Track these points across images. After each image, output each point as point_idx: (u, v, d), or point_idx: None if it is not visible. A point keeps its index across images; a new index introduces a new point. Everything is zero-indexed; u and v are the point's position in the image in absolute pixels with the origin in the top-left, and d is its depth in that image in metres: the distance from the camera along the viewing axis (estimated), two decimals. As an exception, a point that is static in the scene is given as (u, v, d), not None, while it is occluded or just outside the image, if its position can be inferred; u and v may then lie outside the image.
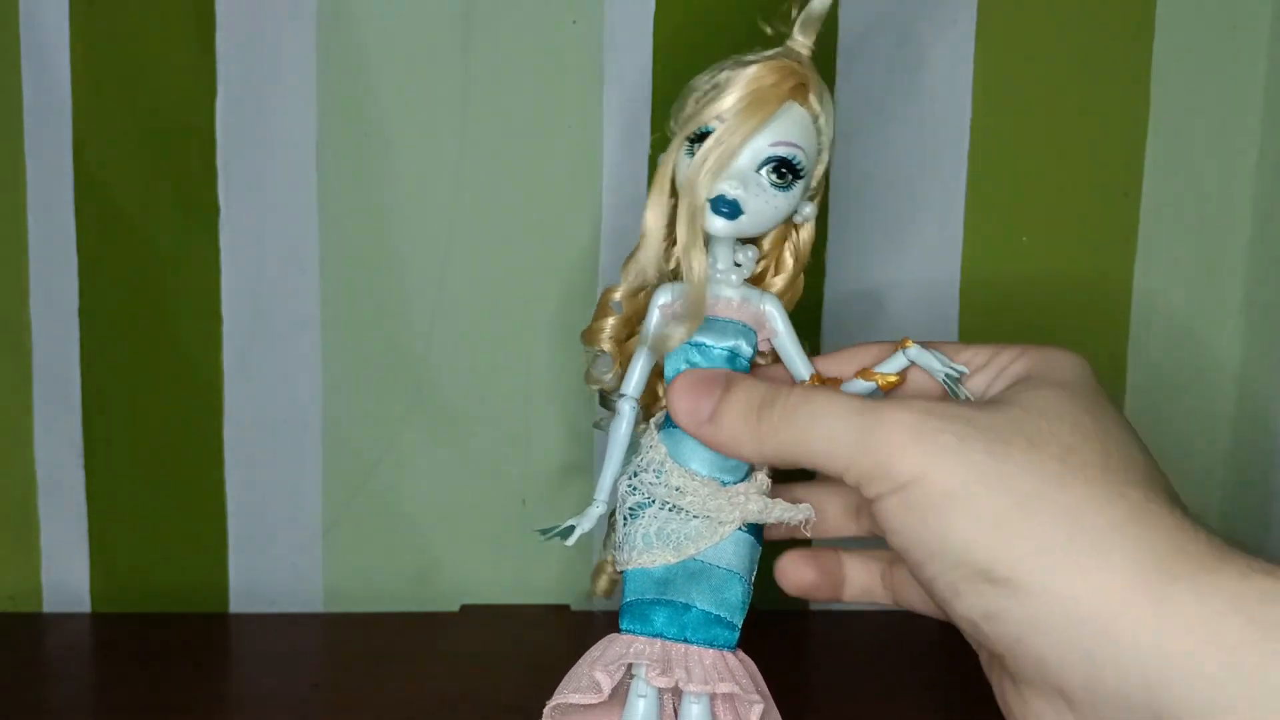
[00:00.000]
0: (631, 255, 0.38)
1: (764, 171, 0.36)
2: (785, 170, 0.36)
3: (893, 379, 0.39)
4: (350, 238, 0.54)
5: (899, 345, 0.39)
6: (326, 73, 0.53)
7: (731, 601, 0.37)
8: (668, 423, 0.38)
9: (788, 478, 0.40)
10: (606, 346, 0.39)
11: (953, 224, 0.55)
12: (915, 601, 0.41)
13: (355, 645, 0.53)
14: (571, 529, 0.38)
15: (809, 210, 0.38)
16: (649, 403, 0.40)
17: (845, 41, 0.53)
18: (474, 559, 0.56)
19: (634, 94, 0.53)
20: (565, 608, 0.56)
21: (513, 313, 0.55)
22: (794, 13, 0.37)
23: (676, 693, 0.37)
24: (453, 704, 0.47)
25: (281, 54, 0.53)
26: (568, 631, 0.55)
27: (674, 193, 0.37)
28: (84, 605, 0.56)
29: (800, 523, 0.37)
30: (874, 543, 0.39)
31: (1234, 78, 0.54)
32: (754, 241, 0.39)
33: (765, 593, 0.39)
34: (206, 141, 0.53)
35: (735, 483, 0.37)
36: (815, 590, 0.42)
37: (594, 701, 0.36)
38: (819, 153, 0.37)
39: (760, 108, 0.35)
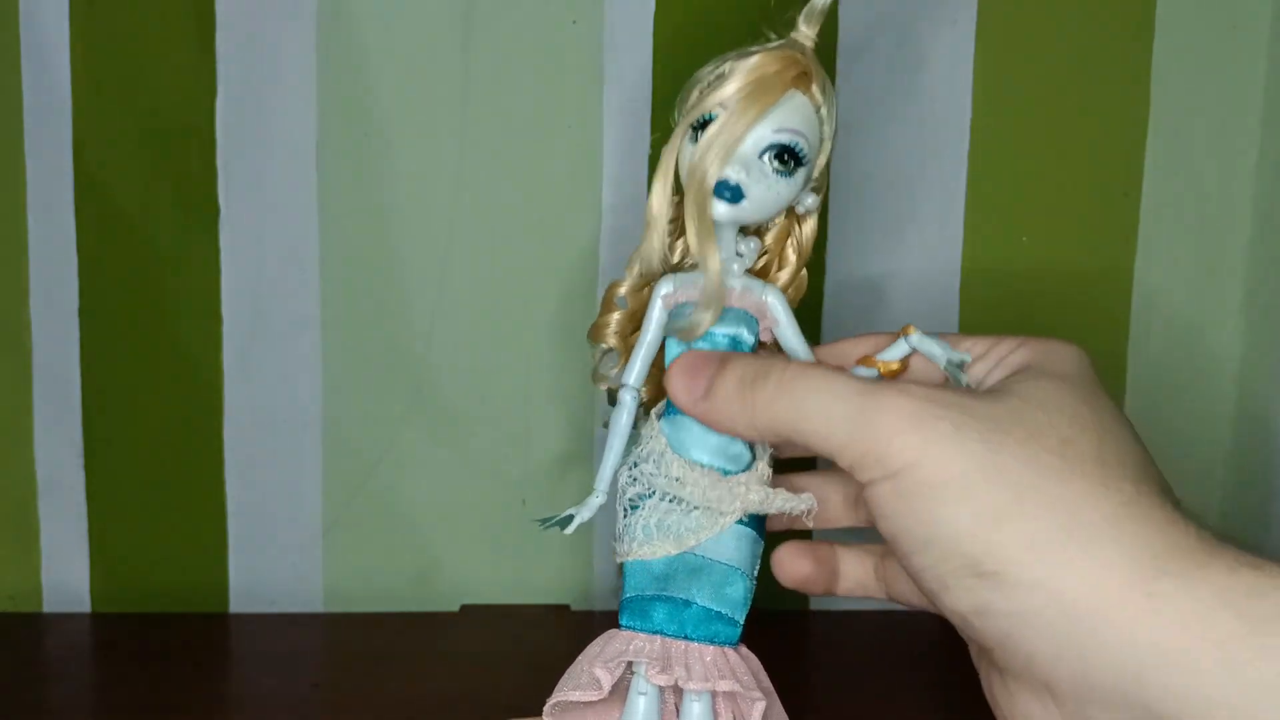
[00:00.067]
0: (636, 249, 0.38)
1: (766, 157, 0.36)
2: (788, 156, 0.36)
3: (894, 366, 0.38)
4: (350, 238, 0.54)
5: (901, 332, 0.39)
6: (326, 73, 0.53)
7: (733, 597, 0.37)
8: (669, 411, 0.38)
9: (789, 467, 0.40)
10: (612, 342, 0.39)
11: (953, 224, 0.55)
12: (908, 595, 0.40)
13: (355, 645, 0.53)
14: (570, 518, 0.38)
15: (811, 201, 0.38)
16: (651, 395, 0.39)
17: (845, 41, 0.53)
18: (474, 559, 0.56)
19: (634, 94, 0.54)
20: (565, 607, 0.56)
21: (513, 313, 0.55)
22: (798, 17, 0.37)
23: (678, 689, 0.37)
24: (453, 704, 0.47)
25: (281, 54, 0.53)
26: (568, 631, 0.55)
27: (677, 187, 0.37)
28: (84, 605, 0.56)
29: (802, 513, 0.37)
30: (875, 533, 0.39)
31: (1234, 78, 0.54)
32: (757, 235, 0.39)
33: (765, 590, 0.39)
34: (206, 141, 0.53)
35: (736, 473, 0.37)
36: (810, 583, 0.41)
37: (594, 699, 0.36)
38: (821, 142, 0.37)
39: (763, 95, 0.35)
